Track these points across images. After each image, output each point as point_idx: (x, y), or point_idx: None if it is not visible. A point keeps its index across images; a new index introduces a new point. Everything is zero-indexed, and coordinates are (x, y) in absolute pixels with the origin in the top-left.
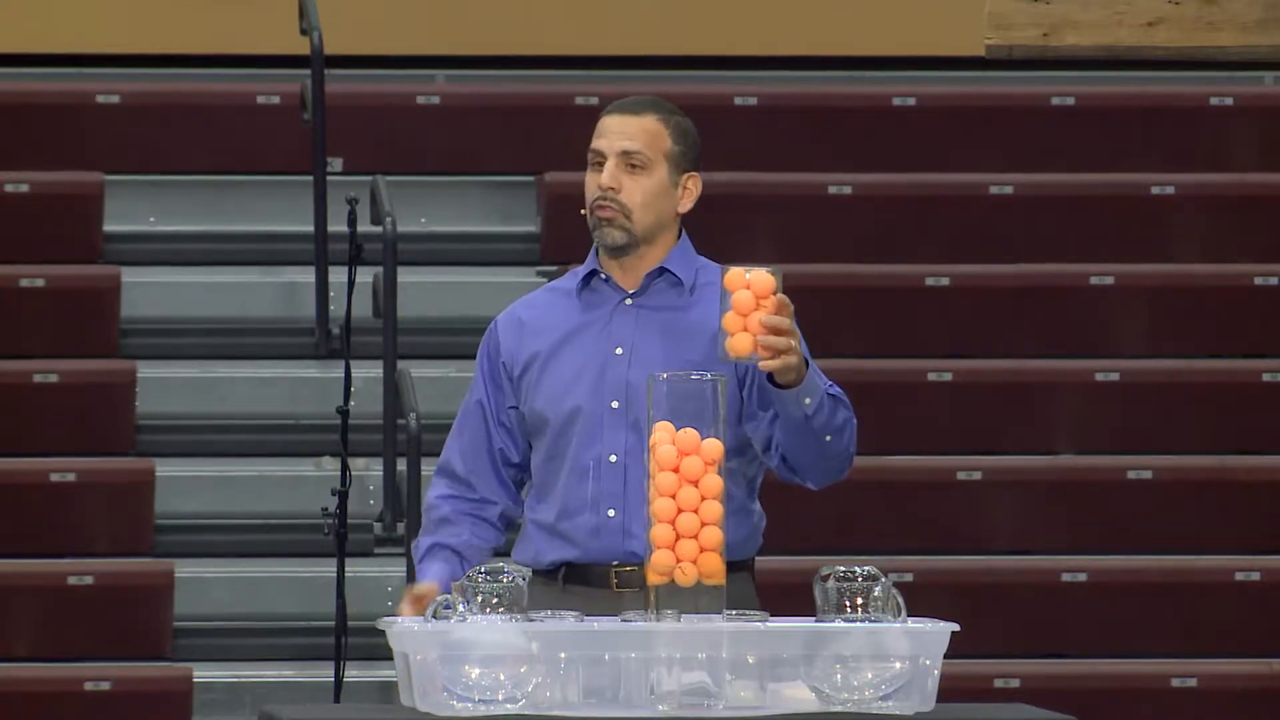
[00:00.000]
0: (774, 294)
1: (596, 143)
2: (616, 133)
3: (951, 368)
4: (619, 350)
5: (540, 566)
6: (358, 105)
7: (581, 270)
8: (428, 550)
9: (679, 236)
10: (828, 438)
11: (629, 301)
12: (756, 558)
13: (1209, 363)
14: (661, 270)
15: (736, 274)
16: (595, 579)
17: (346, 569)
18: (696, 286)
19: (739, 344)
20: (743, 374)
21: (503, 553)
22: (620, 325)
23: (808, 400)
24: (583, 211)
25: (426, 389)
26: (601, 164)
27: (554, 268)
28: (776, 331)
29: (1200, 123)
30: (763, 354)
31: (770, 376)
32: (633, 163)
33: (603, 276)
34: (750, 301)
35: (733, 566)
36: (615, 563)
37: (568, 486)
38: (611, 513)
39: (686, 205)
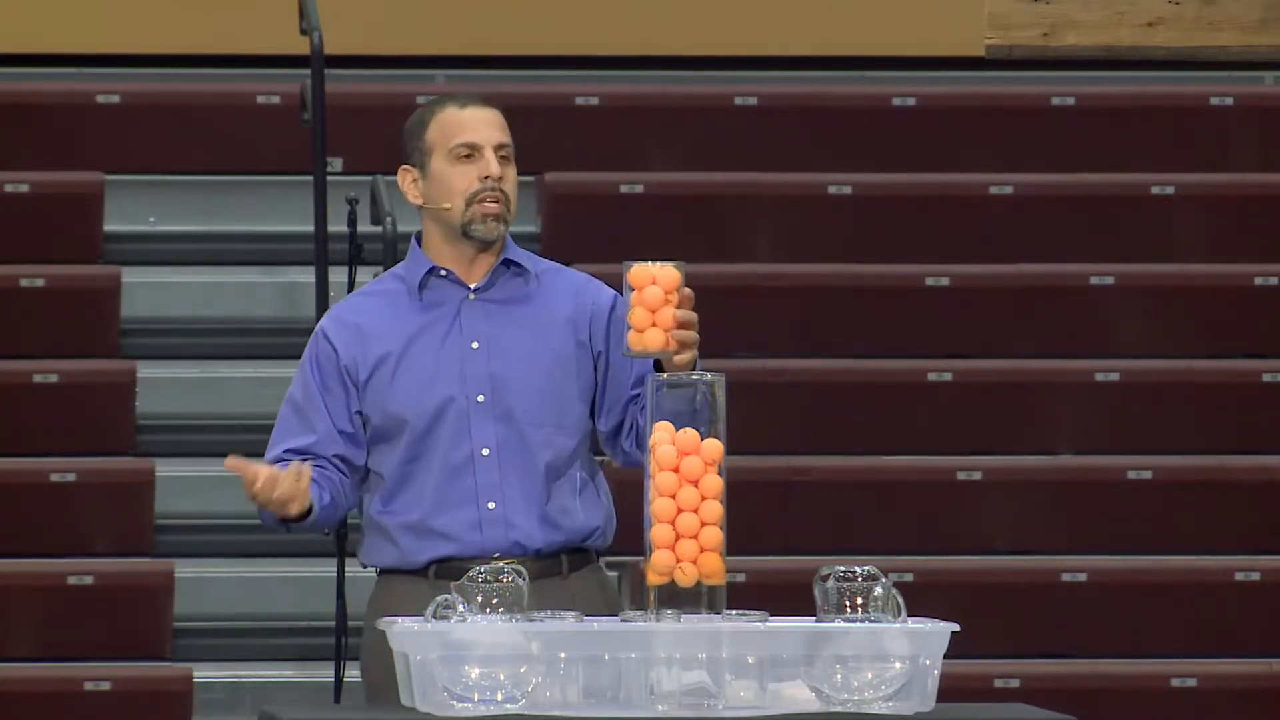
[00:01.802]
0: (681, 287)
1: (463, 136)
2: (486, 124)
3: (951, 368)
4: (475, 344)
5: (409, 566)
6: (358, 105)
7: (411, 269)
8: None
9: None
10: None
11: (472, 296)
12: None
13: (1209, 363)
14: (505, 262)
15: (643, 269)
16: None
17: (346, 569)
18: (541, 274)
19: (651, 339)
20: (602, 368)
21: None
22: (470, 320)
23: None
24: (445, 206)
25: None
26: (471, 156)
27: None
28: (689, 326)
29: (1200, 123)
30: (674, 348)
31: (659, 365)
32: (503, 155)
33: (442, 273)
34: (660, 297)
35: (582, 558)
36: (497, 555)
37: (439, 483)
38: (491, 505)
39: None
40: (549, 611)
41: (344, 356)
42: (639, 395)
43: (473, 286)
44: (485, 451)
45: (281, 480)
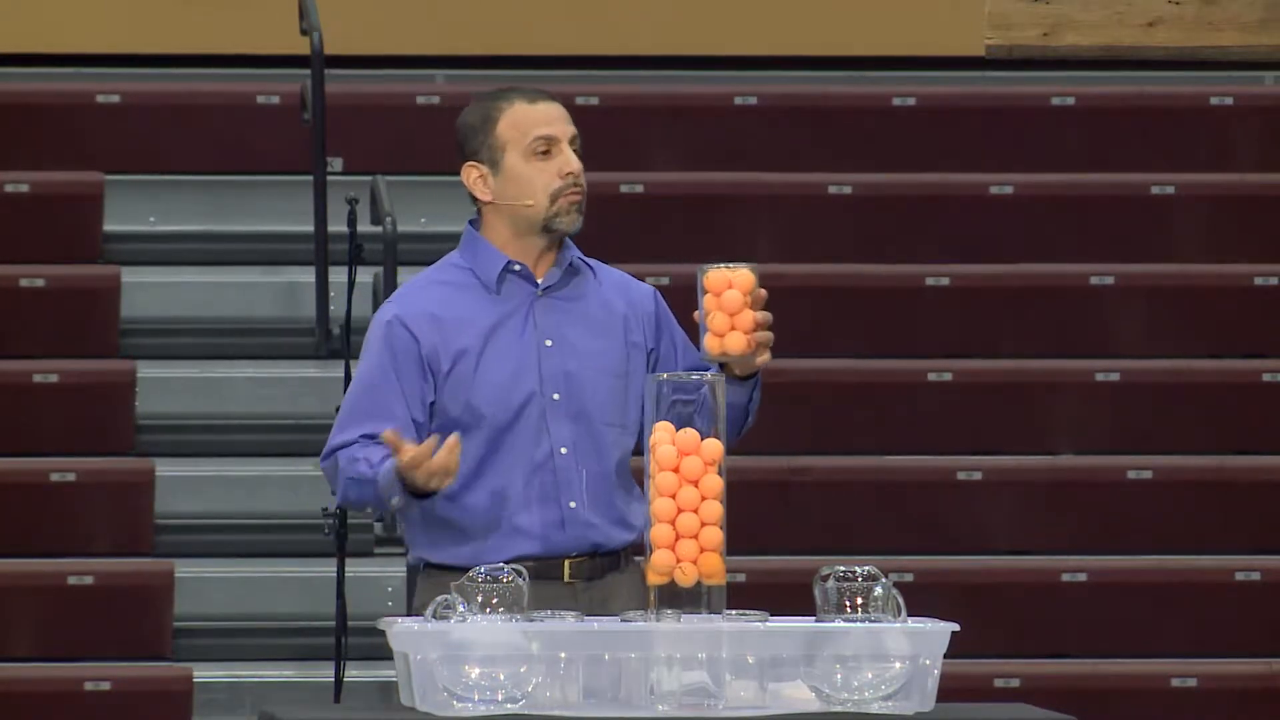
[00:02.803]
0: (756, 290)
1: (540, 131)
2: (560, 119)
3: (951, 368)
4: (548, 342)
5: (481, 564)
6: (358, 105)
7: (481, 261)
8: (379, 457)
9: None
10: (749, 419)
11: (541, 293)
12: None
13: (1209, 363)
14: (576, 260)
15: (720, 274)
16: (545, 572)
17: (346, 569)
18: (600, 272)
19: (732, 343)
20: (652, 365)
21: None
22: (543, 317)
23: (756, 390)
24: (527, 203)
25: None
26: (549, 151)
27: None
28: (766, 327)
29: (1200, 123)
30: (753, 349)
31: (724, 368)
32: (576, 148)
33: (516, 268)
34: (740, 300)
35: (635, 550)
36: (574, 554)
37: (522, 481)
38: (573, 504)
39: None
40: (549, 612)
41: (425, 345)
42: None
43: (541, 283)
44: (564, 450)
45: (439, 453)
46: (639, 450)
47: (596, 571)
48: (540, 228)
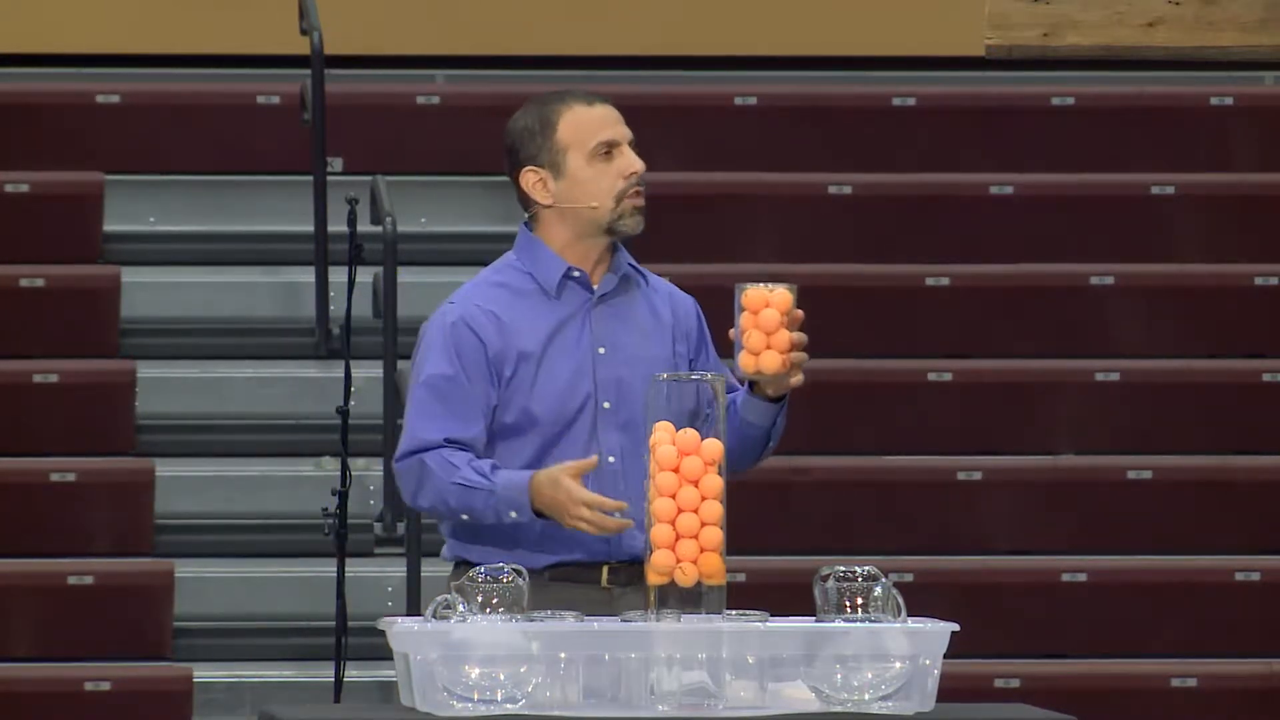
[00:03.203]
0: (793, 310)
1: (603, 134)
2: (618, 120)
3: (951, 368)
4: (602, 349)
5: (530, 568)
6: (358, 105)
7: (540, 266)
8: (488, 467)
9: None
10: (770, 443)
11: (597, 299)
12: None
13: (1209, 363)
14: (629, 267)
15: (759, 292)
16: (584, 576)
17: (346, 569)
18: (651, 280)
19: (767, 362)
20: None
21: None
22: (599, 323)
23: (782, 414)
24: (592, 205)
25: None
26: (610, 154)
27: None
28: (802, 348)
29: (1200, 123)
30: (788, 370)
31: (754, 387)
32: (635, 149)
33: (575, 274)
34: (777, 320)
35: None
36: (614, 560)
37: None
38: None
39: None
40: (549, 612)
41: (491, 348)
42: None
43: (598, 290)
44: (611, 459)
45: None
46: None
47: (634, 578)
48: (604, 230)
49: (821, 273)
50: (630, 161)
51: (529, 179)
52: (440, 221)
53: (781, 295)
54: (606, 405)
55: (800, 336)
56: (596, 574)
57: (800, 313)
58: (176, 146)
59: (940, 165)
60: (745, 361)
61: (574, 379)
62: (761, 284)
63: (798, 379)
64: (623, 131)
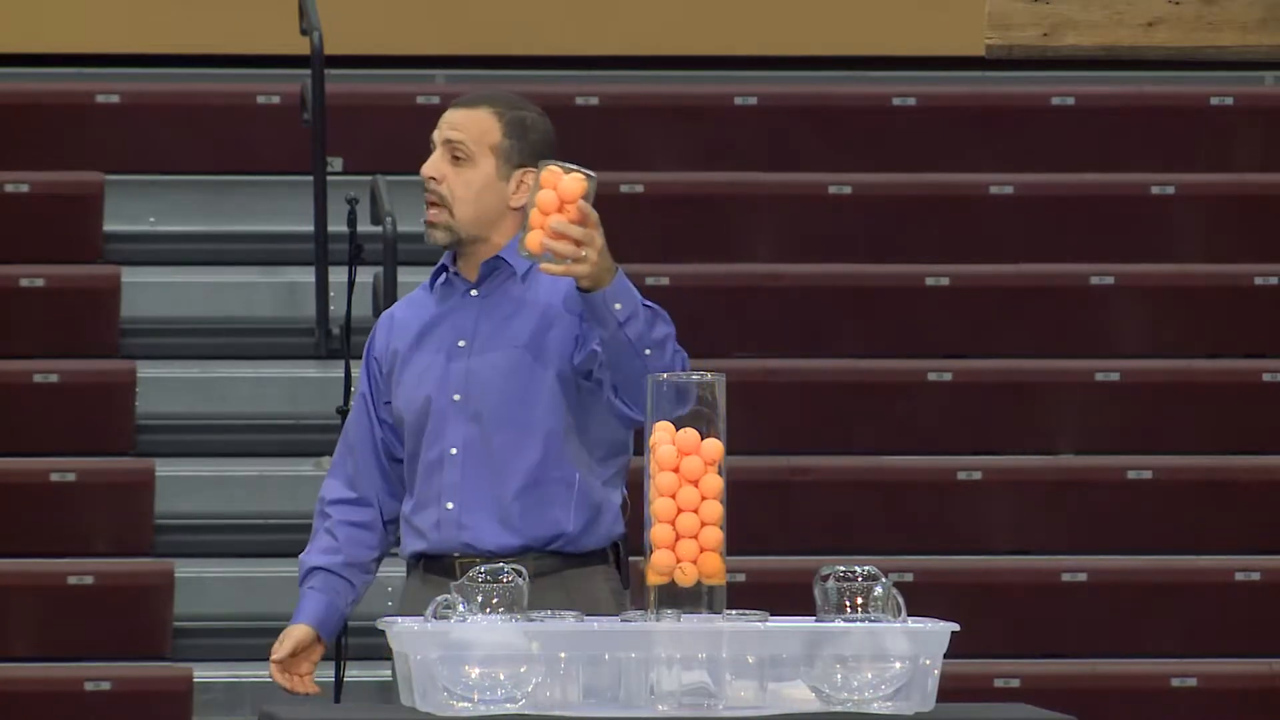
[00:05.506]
0: (579, 200)
1: (434, 133)
2: (446, 123)
3: (951, 368)
4: (461, 343)
5: (405, 557)
6: (358, 105)
7: (439, 266)
8: (308, 574)
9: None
10: (647, 351)
11: (473, 293)
12: (626, 553)
13: (1209, 363)
14: (497, 259)
15: (554, 171)
16: (446, 570)
17: None
18: (530, 273)
19: (531, 240)
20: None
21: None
22: (465, 317)
23: (618, 306)
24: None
25: None
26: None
27: None
28: (565, 238)
29: (1200, 123)
30: (541, 252)
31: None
32: (456, 154)
33: (453, 270)
34: (553, 201)
35: (579, 560)
36: (456, 554)
37: (420, 481)
38: (450, 505)
39: (519, 200)
40: (549, 611)
41: (377, 349)
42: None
43: (472, 283)
44: (453, 451)
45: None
46: (639, 450)
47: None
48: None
49: (821, 272)
50: (425, 162)
51: (528, 179)
52: None
53: (570, 181)
54: (457, 398)
55: (566, 226)
56: (451, 567)
57: (587, 207)
58: (176, 146)
59: (940, 165)
60: (523, 239)
61: (424, 374)
62: (562, 165)
63: (573, 269)
64: (439, 134)
